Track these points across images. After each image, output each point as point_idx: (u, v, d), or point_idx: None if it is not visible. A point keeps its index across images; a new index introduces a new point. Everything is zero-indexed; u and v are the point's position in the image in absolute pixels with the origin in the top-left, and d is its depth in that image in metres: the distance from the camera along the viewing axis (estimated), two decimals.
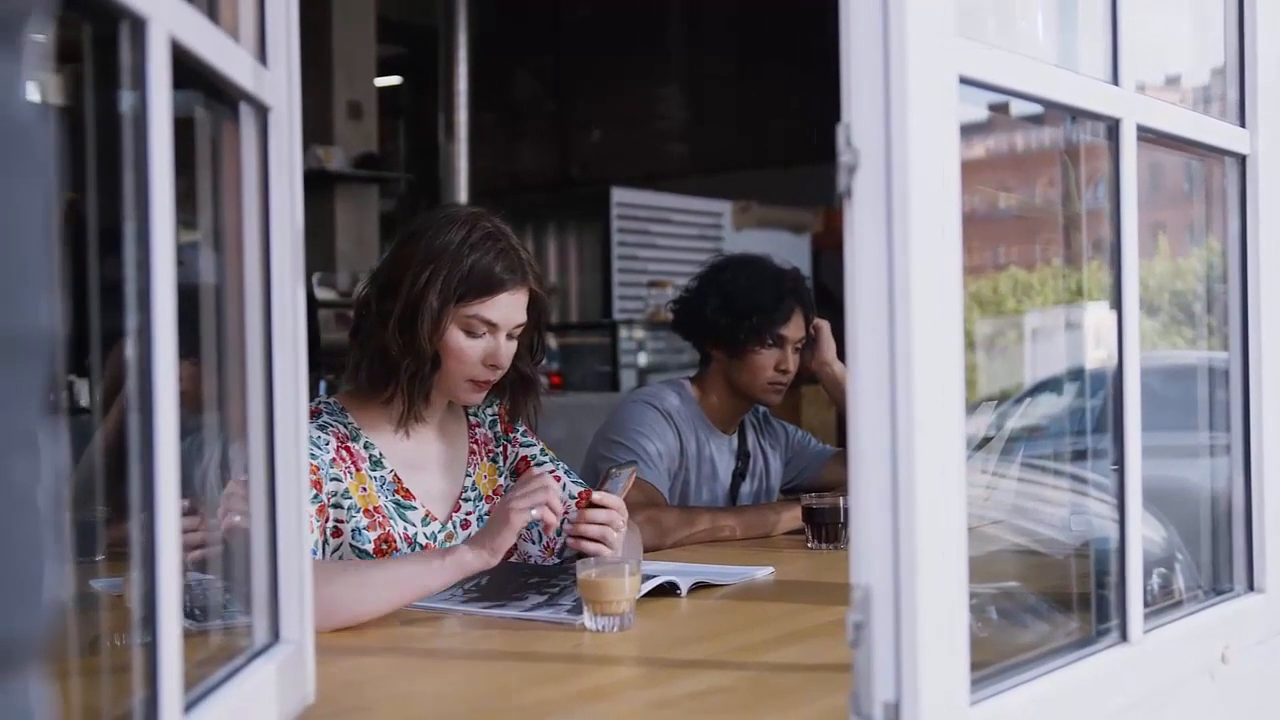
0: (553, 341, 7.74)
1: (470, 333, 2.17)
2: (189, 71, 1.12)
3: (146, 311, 1.00)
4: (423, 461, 2.27)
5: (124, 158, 1.02)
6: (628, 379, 7.42)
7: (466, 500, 2.31)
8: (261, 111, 1.35)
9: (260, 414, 1.36)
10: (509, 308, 2.19)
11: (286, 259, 1.37)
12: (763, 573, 2.33)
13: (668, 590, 2.10)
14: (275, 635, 1.36)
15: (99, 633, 1.32)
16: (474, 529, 2.27)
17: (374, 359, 2.18)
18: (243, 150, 1.34)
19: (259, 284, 1.35)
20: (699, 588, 2.16)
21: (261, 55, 1.35)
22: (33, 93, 0.61)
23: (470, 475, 2.33)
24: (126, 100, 1.02)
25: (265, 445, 1.36)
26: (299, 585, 1.38)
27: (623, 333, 7.55)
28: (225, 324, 1.37)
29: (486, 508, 2.32)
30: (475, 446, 2.36)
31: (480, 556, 1.96)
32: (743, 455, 3.13)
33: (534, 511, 1.96)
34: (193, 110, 1.27)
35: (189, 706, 1.09)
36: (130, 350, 1.01)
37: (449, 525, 2.26)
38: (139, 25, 0.99)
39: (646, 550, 2.64)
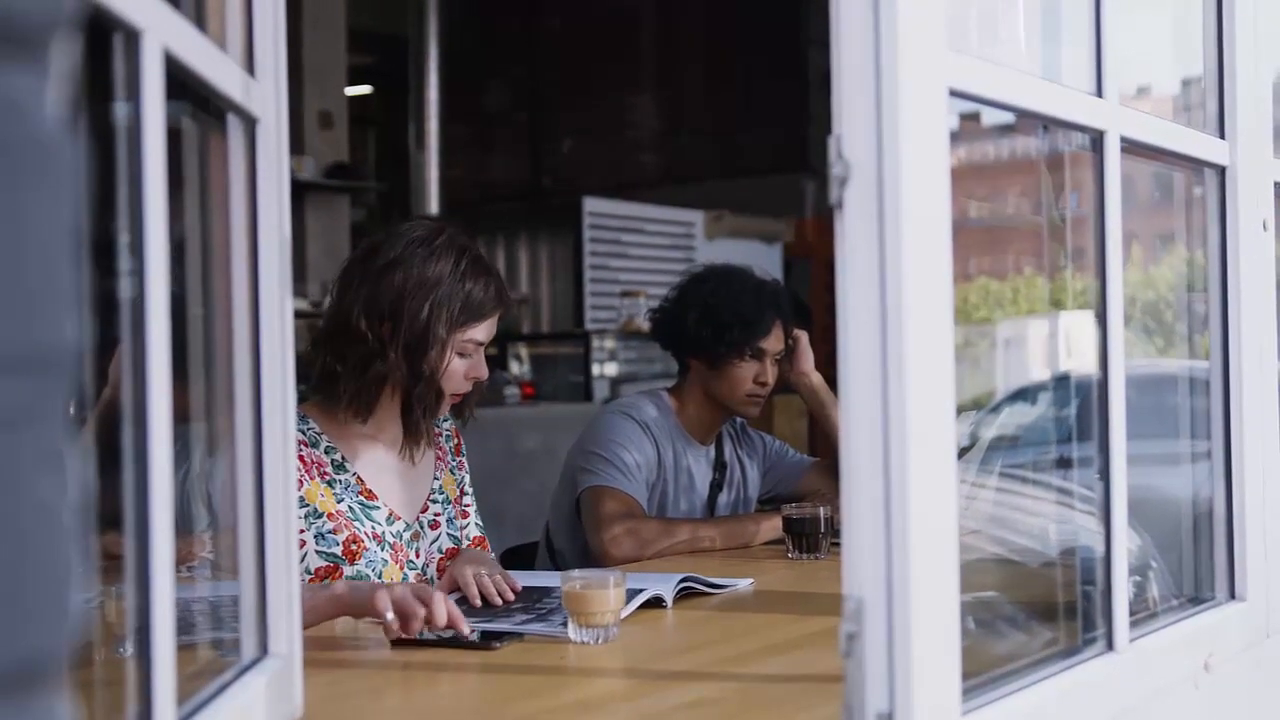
0: (524, 352, 7.73)
1: (462, 354, 2.28)
2: (177, 82, 1.11)
3: (140, 322, 1.00)
4: (389, 465, 2.34)
5: (116, 168, 1.01)
6: (600, 389, 7.40)
7: (435, 501, 2.40)
8: (249, 123, 1.34)
9: (248, 427, 1.35)
10: (493, 326, 2.32)
11: (274, 270, 1.36)
12: (744, 584, 2.33)
13: (653, 602, 2.09)
14: (264, 649, 1.35)
15: (90, 641, 1.31)
16: (443, 529, 2.38)
17: (374, 384, 2.24)
18: (230, 161, 1.34)
19: (246, 295, 1.35)
20: (685, 595, 2.16)
21: (249, 66, 1.34)
22: (57, 107, 0.61)
23: (438, 479, 2.41)
24: (119, 111, 1.01)
25: (253, 458, 1.35)
26: (287, 599, 1.38)
27: (595, 343, 7.53)
28: (211, 335, 1.36)
29: (453, 511, 2.42)
30: (440, 453, 2.45)
31: (345, 599, 1.91)
32: (720, 466, 3.13)
33: (389, 616, 1.81)
34: (179, 121, 1.27)
35: None
36: (123, 361, 1.01)
37: (415, 525, 2.34)
38: (133, 37, 0.99)
39: (627, 561, 2.65)
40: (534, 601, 2.11)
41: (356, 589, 1.92)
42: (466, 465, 2.52)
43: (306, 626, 1.94)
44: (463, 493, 2.49)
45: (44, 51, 0.60)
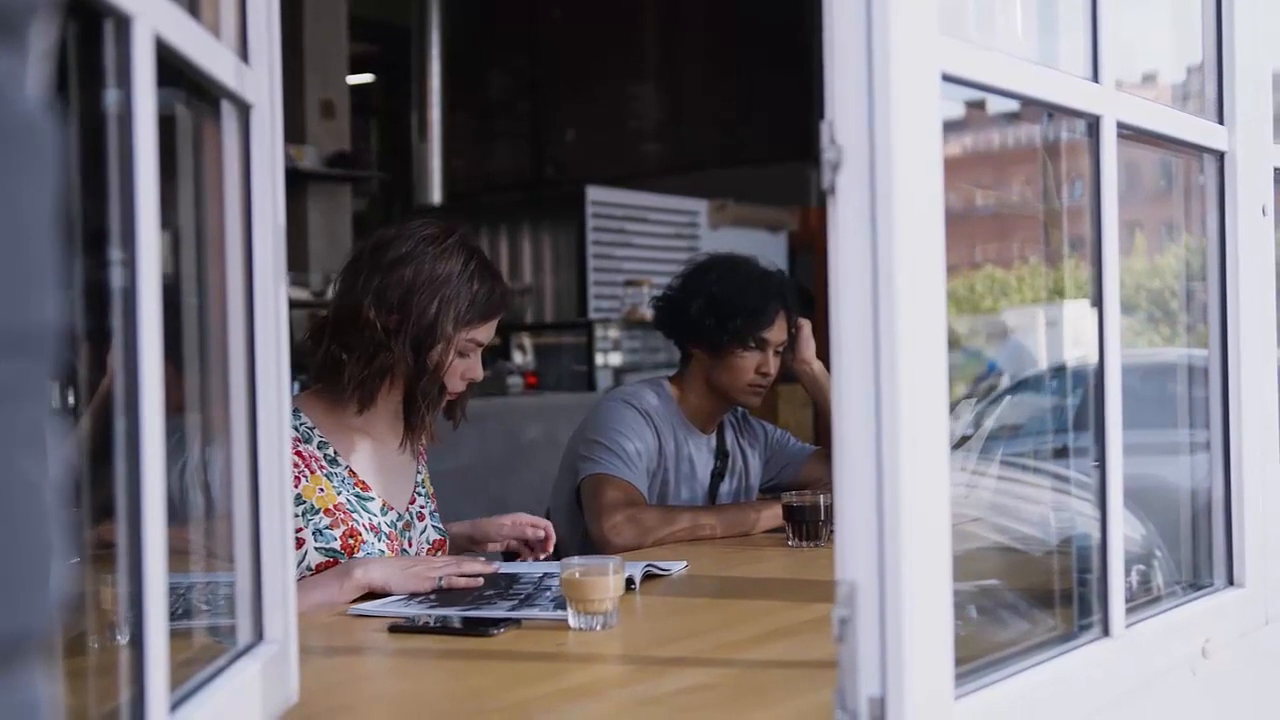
0: (527, 341, 7.74)
1: (462, 354, 2.32)
2: (170, 69, 1.11)
3: (132, 312, 1.00)
4: (378, 458, 2.37)
5: (107, 155, 1.02)
6: (604, 379, 7.41)
7: (420, 494, 2.44)
8: (243, 109, 1.34)
9: (243, 414, 1.35)
10: (494, 328, 2.37)
11: (269, 258, 1.36)
12: (677, 567, 2.36)
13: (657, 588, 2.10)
14: (259, 635, 1.36)
15: (80, 632, 1.31)
16: (428, 521, 2.43)
17: (378, 375, 2.27)
18: (224, 148, 1.34)
19: (241, 283, 1.35)
20: (683, 583, 2.18)
21: (243, 53, 1.34)
22: (37, 88, 0.61)
23: (420, 473, 2.46)
24: (110, 98, 1.01)
25: (248, 446, 1.36)
26: (282, 585, 1.38)
27: (599, 332, 7.53)
28: (206, 324, 1.36)
29: (434, 505, 2.47)
30: (421, 448, 2.49)
31: (373, 575, 2.11)
32: (721, 454, 3.13)
33: (442, 582, 2.13)
34: (172, 108, 1.27)
35: (174, 706, 1.08)
36: (112, 351, 1.01)
37: (406, 515, 2.38)
38: (123, 22, 0.99)
39: (627, 549, 2.65)
40: (506, 588, 2.11)
41: (386, 574, 2.11)
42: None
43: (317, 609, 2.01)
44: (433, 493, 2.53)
45: (23, 34, 0.60)
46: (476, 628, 1.85)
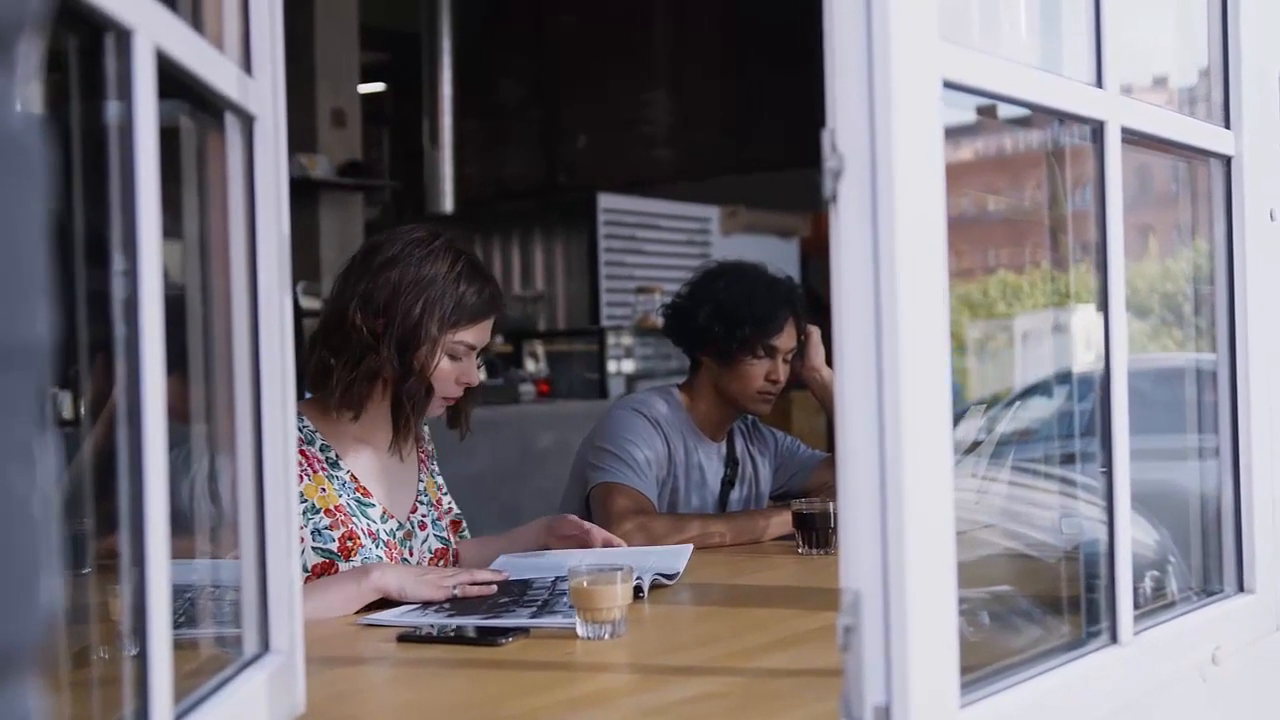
0: (540, 349, 7.73)
1: (453, 356, 2.31)
2: (173, 81, 1.11)
3: (134, 323, 1.00)
4: (379, 466, 2.37)
5: (109, 167, 1.02)
6: (616, 386, 7.41)
7: (422, 503, 2.44)
8: (247, 121, 1.34)
9: (248, 425, 1.35)
10: (487, 331, 2.35)
11: (273, 269, 1.37)
12: (683, 556, 2.39)
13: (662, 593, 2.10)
14: (265, 645, 1.36)
15: (88, 644, 1.32)
16: (430, 530, 2.42)
17: (365, 379, 2.27)
18: (228, 160, 1.34)
19: (245, 295, 1.35)
20: (657, 587, 2.19)
21: (246, 64, 1.35)
22: (26, 104, 0.61)
23: (422, 481, 2.46)
24: (112, 110, 1.02)
25: (254, 456, 1.36)
26: (288, 595, 1.38)
27: (610, 339, 7.53)
28: (211, 336, 1.37)
29: (436, 514, 2.46)
30: (424, 457, 2.49)
31: (389, 579, 2.09)
32: (731, 462, 3.12)
33: (456, 591, 2.11)
34: (177, 120, 1.27)
35: (179, 717, 1.08)
36: (118, 362, 1.01)
37: (407, 524, 2.38)
38: (124, 36, 0.99)
39: None
40: (520, 595, 2.11)
41: (401, 581, 2.09)
42: (437, 469, 2.57)
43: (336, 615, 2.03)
44: (442, 492, 2.53)
45: (12, 47, 0.60)
46: (485, 637, 1.85)
